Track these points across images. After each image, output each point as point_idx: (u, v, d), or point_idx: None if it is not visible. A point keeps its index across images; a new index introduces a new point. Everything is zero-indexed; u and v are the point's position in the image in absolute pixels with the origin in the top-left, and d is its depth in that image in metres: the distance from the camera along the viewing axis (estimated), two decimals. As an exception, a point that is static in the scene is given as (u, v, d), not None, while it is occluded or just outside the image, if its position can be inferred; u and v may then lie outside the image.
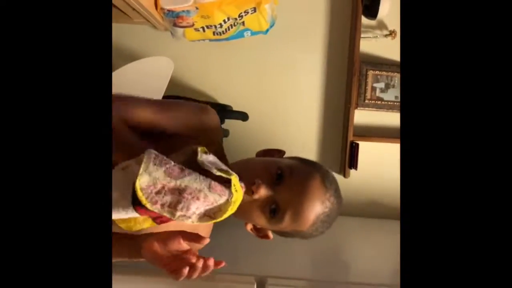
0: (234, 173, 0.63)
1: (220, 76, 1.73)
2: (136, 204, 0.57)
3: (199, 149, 0.64)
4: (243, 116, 1.63)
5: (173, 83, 1.53)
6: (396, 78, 1.68)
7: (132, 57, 1.58)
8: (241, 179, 0.65)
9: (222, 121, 1.62)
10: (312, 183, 0.69)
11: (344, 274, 1.27)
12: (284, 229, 0.72)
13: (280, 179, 0.69)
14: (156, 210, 0.59)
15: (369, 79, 1.67)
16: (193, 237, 0.63)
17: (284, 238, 0.77)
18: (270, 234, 0.78)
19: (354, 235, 1.55)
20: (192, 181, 0.59)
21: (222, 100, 1.72)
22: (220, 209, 0.62)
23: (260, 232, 0.79)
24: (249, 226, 0.78)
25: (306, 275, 1.19)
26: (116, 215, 0.60)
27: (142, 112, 0.73)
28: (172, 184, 0.58)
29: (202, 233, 0.80)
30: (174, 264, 0.61)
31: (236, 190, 0.62)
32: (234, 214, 0.68)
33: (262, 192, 0.68)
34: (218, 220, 0.62)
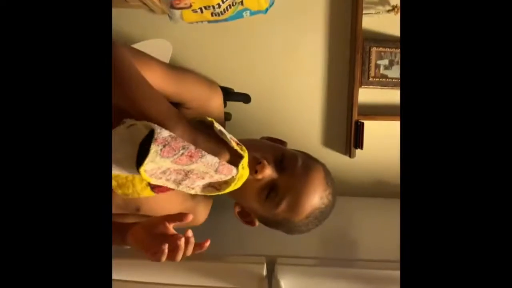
0: (246, 149, 0.63)
1: (220, 58, 1.71)
2: (140, 165, 0.55)
3: (209, 119, 0.62)
4: (245, 98, 1.61)
5: (173, 66, 1.50)
6: (400, 54, 1.65)
7: (129, 42, 1.55)
8: None
9: (224, 105, 1.60)
10: (315, 175, 0.69)
11: (352, 251, 1.27)
12: (276, 216, 0.70)
13: (284, 165, 0.68)
14: (159, 183, 0.59)
15: (373, 56, 1.64)
16: (178, 217, 0.62)
17: None
18: (256, 221, 0.76)
19: (361, 214, 1.55)
20: (199, 166, 0.58)
21: (222, 83, 1.68)
22: (226, 182, 0.61)
23: (246, 217, 0.77)
24: (237, 209, 0.76)
25: (315, 254, 1.20)
26: (118, 172, 0.59)
27: (152, 74, 0.67)
28: (179, 167, 0.57)
29: (201, 212, 0.80)
30: (157, 247, 0.60)
31: (243, 168, 0.62)
32: (229, 194, 0.66)
33: (267, 172, 0.66)
34: (223, 193, 0.62)
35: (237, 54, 1.70)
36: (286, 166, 0.68)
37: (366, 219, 1.52)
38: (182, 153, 0.56)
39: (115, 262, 0.95)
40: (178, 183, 0.59)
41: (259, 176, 0.66)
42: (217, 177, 0.60)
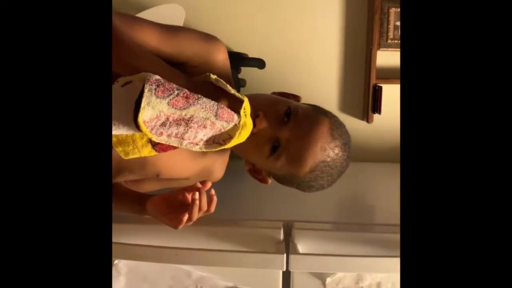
0: (245, 96, 0.62)
1: (233, 23, 1.67)
2: (137, 116, 0.56)
3: (209, 74, 0.62)
4: (260, 63, 1.58)
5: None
6: (421, 14, 1.58)
7: (141, 7, 1.52)
8: None
9: (238, 70, 1.57)
10: (317, 127, 0.67)
11: (370, 216, 1.28)
12: (280, 171, 0.70)
13: (288, 119, 0.67)
14: (162, 141, 0.58)
15: (391, 18, 1.59)
16: (196, 188, 0.66)
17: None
18: (268, 179, 0.76)
19: (378, 180, 1.54)
20: (198, 110, 0.57)
21: (236, 48, 1.66)
22: (229, 135, 0.60)
23: (258, 174, 0.76)
24: (247, 166, 0.76)
25: (332, 219, 1.20)
26: (117, 132, 0.59)
27: (146, 37, 0.67)
28: (177, 115, 0.57)
29: (218, 169, 0.82)
30: (174, 214, 0.65)
31: (245, 115, 0.60)
32: (236, 150, 0.66)
33: (262, 125, 0.66)
34: (228, 146, 0.61)
35: (251, 19, 1.66)
36: (289, 119, 0.67)
37: (384, 185, 1.51)
38: (178, 94, 0.56)
39: (132, 227, 0.97)
40: (181, 137, 0.58)
41: (254, 130, 0.65)
42: (220, 125, 0.59)
